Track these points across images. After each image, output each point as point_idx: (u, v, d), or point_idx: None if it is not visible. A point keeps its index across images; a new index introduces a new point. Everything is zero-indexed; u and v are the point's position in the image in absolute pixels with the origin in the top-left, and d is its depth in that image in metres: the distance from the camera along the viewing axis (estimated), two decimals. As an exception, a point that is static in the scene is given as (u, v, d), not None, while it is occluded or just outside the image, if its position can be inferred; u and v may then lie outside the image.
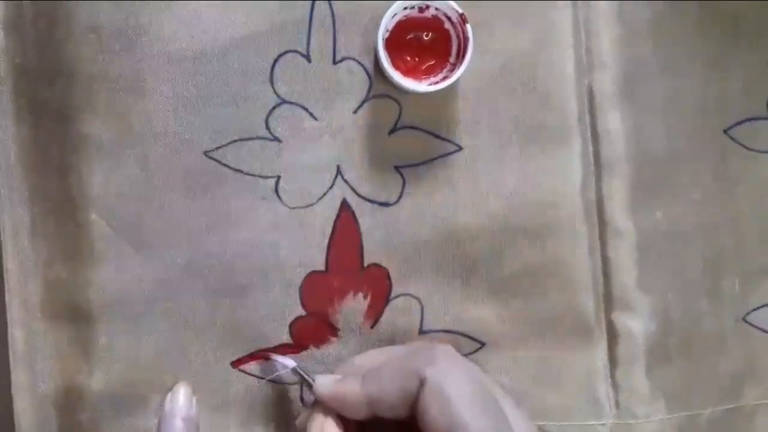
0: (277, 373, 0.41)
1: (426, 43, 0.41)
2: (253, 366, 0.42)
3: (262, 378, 0.42)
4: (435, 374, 0.34)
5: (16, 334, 0.40)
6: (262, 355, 0.42)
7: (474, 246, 0.43)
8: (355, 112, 0.42)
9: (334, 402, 0.37)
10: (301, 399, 0.42)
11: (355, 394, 0.36)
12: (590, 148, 0.43)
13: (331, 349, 0.42)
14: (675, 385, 0.45)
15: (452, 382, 0.34)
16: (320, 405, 0.37)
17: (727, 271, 0.45)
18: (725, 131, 0.45)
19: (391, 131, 0.42)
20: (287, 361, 0.41)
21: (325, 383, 0.37)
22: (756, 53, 0.45)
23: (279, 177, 0.41)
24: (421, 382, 0.34)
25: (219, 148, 0.41)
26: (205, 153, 0.41)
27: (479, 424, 0.33)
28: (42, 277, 0.40)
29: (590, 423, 0.44)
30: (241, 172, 0.41)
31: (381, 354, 0.40)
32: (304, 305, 0.42)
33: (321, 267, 0.42)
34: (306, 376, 0.39)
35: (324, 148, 0.42)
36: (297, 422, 0.40)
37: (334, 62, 0.41)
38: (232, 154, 0.41)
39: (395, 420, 0.36)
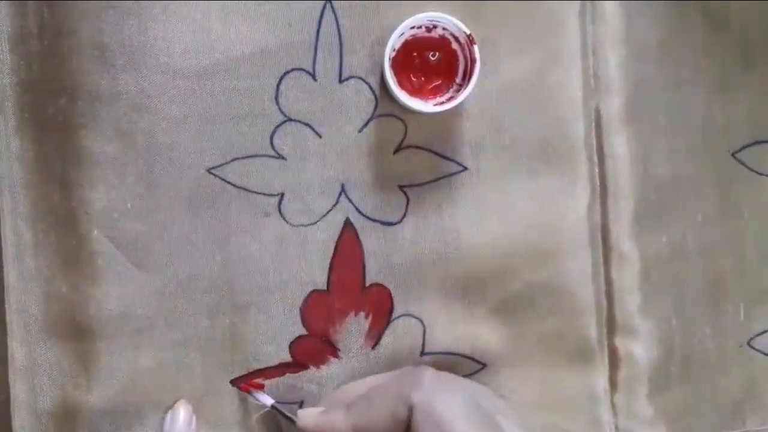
0: (258, 413, 0.41)
1: (433, 63, 0.41)
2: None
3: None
4: (424, 397, 0.34)
5: (16, 350, 0.40)
6: (243, 389, 0.41)
7: (477, 267, 0.42)
8: (360, 130, 0.42)
9: None
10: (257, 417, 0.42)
11: (341, 424, 0.36)
12: (596, 171, 0.43)
13: (332, 369, 0.42)
14: (676, 410, 0.44)
15: (442, 402, 0.34)
16: None
17: (732, 296, 0.45)
18: (733, 154, 0.45)
19: (396, 150, 0.42)
20: (265, 399, 0.40)
21: (308, 416, 0.37)
22: (763, 75, 0.45)
23: (282, 195, 0.41)
24: (410, 408, 0.34)
25: (223, 165, 0.41)
26: (209, 170, 0.41)
27: None
28: (43, 292, 0.40)
29: (591, 446, 0.44)
30: (245, 189, 0.41)
31: (365, 383, 0.40)
32: (304, 324, 0.42)
33: (323, 286, 0.42)
34: (286, 413, 0.39)
35: (328, 166, 0.41)
36: None
37: (340, 81, 0.41)
38: (236, 171, 0.41)
39: None
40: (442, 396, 0.34)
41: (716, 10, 0.44)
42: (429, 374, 0.36)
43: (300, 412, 0.38)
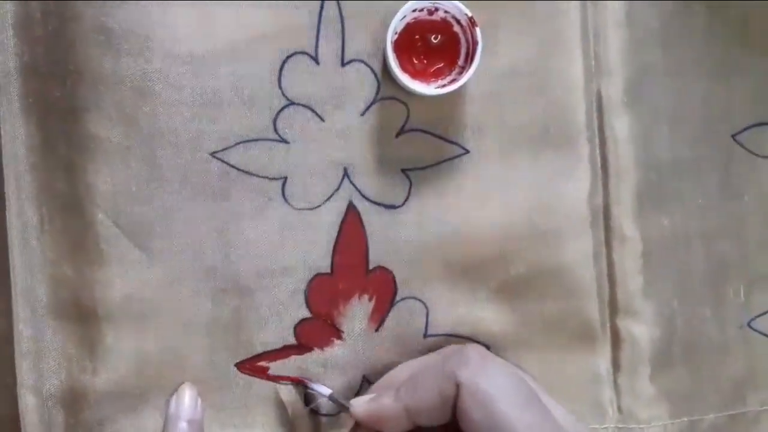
0: (314, 404, 0.42)
1: (435, 45, 0.41)
2: (283, 383, 0.42)
3: (268, 380, 0.42)
4: (470, 376, 0.34)
5: (23, 333, 0.40)
6: (299, 381, 0.42)
7: (480, 249, 0.43)
8: (362, 114, 0.42)
9: (373, 420, 0.37)
10: (310, 408, 0.42)
11: (392, 408, 0.36)
12: (597, 154, 0.43)
13: (336, 351, 0.42)
14: (678, 391, 0.45)
15: (489, 381, 0.34)
16: (360, 427, 0.37)
17: (732, 277, 0.45)
18: (733, 137, 0.45)
19: (399, 134, 0.42)
20: (323, 389, 0.41)
21: (360, 404, 0.37)
22: (765, 58, 0.45)
23: (286, 178, 0.41)
24: (458, 386, 0.34)
25: (226, 149, 0.41)
26: (212, 154, 0.41)
27: (525, 420, 0.33)
28: (49, 276, 0.40)
29: (593, 427, 0.44)
30: (248, 173, 0.41)
31: (412, 365, 0.40)
32: (309, 307, 0.42)
33: (326, 269, 0.42)
34: (342, 402, 0.39)
35: (331, 150, 0.42)
36: None
37: (343, 64, 0.41)
38: (239, 155, 0.41)
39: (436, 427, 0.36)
40: (488, 374, 0.35)
41: (716, -4, 0.44)
42: (475, 353, 0.36)
43: (353, 401, 0.38)
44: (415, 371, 0.38)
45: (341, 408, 0.40)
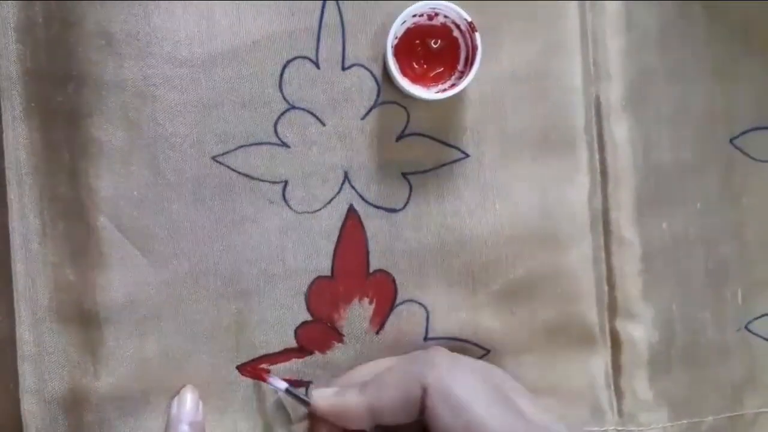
0: (273, 399, 0.42)
1: (434, 50, 0.42)
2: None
3: (267, 382, 0.42)
4: (438, 378, 0.35)
5: (25, 336, 0.40)
6: (257, 375, 0.42)
7: (480, 253, 0.43)
8: (363, 118, 0.42)
9: (334, 414, 0.37)
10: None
11: (356, 404, 0.36)
12: (597, 158, 0.44)
13: (336, 354, 0.43)
14: (677, 394, 0.45)
15: (457, 382, 0.35)
16: (320, 419, 0.38)
17: (731, 281, 0.46)
18: (731, 141, 0.46)
19: (399, 138, 0.42)
20: (279, 384, 0.41)
21: (323, 396, 0.37)
22: (763, 62, 0.45)
23: (286, 182, 0.42)
24: (424, 388, 0.35)
25: (227, 152, 0.41)
26: (214, 158, 0.41)
27: (495, 419, 0.34)
28: (51, 279, 0.40)
29: (593, 429, 0.44)
30: (249, 176, 0.41)
31: (378, 364, 0.40)
32: (309, 310, 0.42)
33: (327, 272, 0.42)
34: (300, 396, 0.39)
35: (332, 153, 0.42)
36: None
37: (343, 69, 0.42)
38: (241, 158, 0.41)
39: (397, 427, 0.36)
40: (457, 376, 0.35)
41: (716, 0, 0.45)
42: (442, 355, 0.36)
43: (314, 392, 0.38)
44: (382, 372, 0.38)
45: (300, 402, 0.40)
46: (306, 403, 0.39)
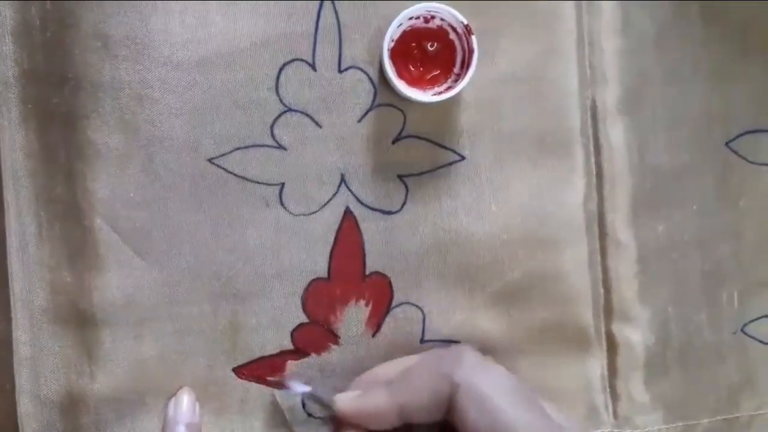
0: (292, 402, 0.42)
1: (431, 53, 0.42)
2: (269, 388, 0.42)
3: (264, 384, 0.42)
4: (467, 375, 0.35)
5: (21, 338, 0.40)
6: (276, 382, 0.42)
7: (476, 255, 0.43)
8: (359, 120, 0.42)
9: (361, 417, 0.37)
10: (305, 409, 0.42)
11: (384, 404, 0.36)
12: (593, 160, 0.44)
13: (332, 356, 0.43)
14: (673, 396, 0.45)
15: (486, 380, 0.35)
16: (344, 423, 0.38)
17: (727, 284, 0.46)
18: (727, 144, 0.46)
19: (395, 140, 0.42)
20: (301, 387, 0.41)
21: (346, 400, 0.37)
22: (760, 65, 0.45)
23: (283, 184, 0.42)
24: (454, 386, 0.35)
25: (224, 155, 0.41)
26: (210, 160, 0.41)
27: (523, 419, 0.34)
28: (47, 281, 0.41)
29: (589, 432, 0.44)
30: (246, 179, 0.41)
31: (400, 363, 0.40)
32: (306, 312, 0.42)
33: (323, 274, 0.42)
34: (323, 398, 0.39)
35: (328, 156, 0.42)
36: None
37: (340, 71, 0.42)
38: (237, 161, 0.41)
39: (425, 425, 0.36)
40: (485, 374, 0.35)
41: (713, 1, 0.44)
42: (470, 353, 0.36)
43: (337, 397, 0.38)
44: (408, 369, 0.38)
45: (323, 406, 0.40)
46: (329, 407, 0.38)
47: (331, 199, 0.42)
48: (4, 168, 0.40)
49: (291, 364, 0.42)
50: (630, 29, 0.44)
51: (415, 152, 0.42)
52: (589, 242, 0.44)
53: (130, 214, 0.40)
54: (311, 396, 0.40)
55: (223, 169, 0.41)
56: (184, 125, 0.40)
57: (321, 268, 0.42)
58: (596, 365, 0.44)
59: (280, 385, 0.42)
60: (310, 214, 0.42)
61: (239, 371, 0.42)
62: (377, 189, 0.42)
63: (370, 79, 0.42)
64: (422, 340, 0.43)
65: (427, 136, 0.42)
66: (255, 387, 0.42)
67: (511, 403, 0.34)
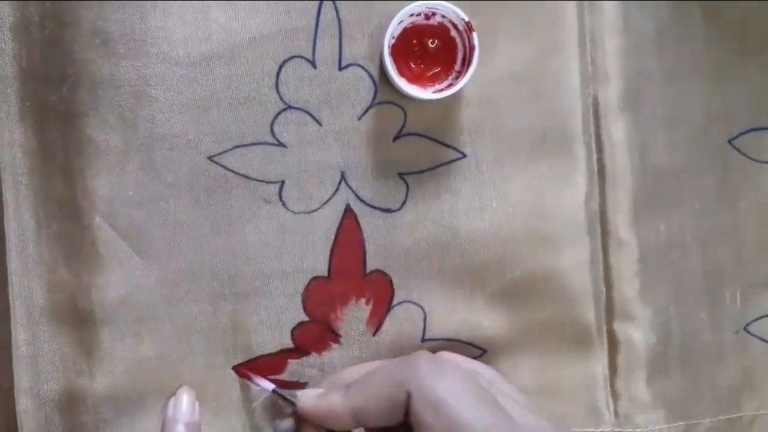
0: (259, 399, 0.42)
1: (432, 50, 0.41)
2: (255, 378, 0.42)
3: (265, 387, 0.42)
4: (421, 381, 0.35)
5: (20, 337, 0.40)
6: (243, 375, 0.42)
7: (477, 254, 0.43)
8: (359, 118, 0.42)
9: (319, 416, 0.37)
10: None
11: (339, 406, 0.36)
12: (594, 159, 0.43)
13: (333, 355, 0.43)
14: (675, 395, 0.45)
15: (440, 384, 0.35)
16: (306, 420, 0.38)
17: (729, 283, 0.46)
18: (729, 141, 0.45)
19: (396, 138, 0.42)
20: (266, 384, 0.41)
21: (307, 398, 0.38)
22: (761, 64, 0.45)
23: (283, 182, 0.42)
24: (408, 392, 0.35)
25: (223, 152, 0.41)
26: (210, 157, 0.41)
27: (481, 421, 0.34)
28: (46, 279, 0.40)
29: (589, 431, 0.44)
30: (246, 176, 0.41)
31: (364, 367, 0.40)
32: (306, 311, 0.42)
33: (324, 273, 0.42)
34: (287, 396, 0.39)
35: (328, 153, 0.42)
36: None
37: (340, 68, 0.41)
38: (237, 158, 0.41)
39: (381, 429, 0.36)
40: (440, 380, 0.35)
41: (713, 1, 0.44)
42: (424, 359, 0.36)
43: (300, 393, 0.38)
44: (367, 373, 0.38)
45: (287, 403, 0.39)
46: (292, 404, 0.39)
47: (331, 197, 0.42)
48: (3, 166, 0.40)
49: (291, 363, 0.42)
50: (631, 28, 0.43)
51: (416, 150, 0.42)
52: (591, 241, 0.44)
53: (130, 212, 0.40)
54: (276, 392, 0.40)
55: (223, 166, 0.41)
56: (183, 123, 0.40)
57: (321, 267, 0.42)
58: (597, 364, 0.44)
59: (248, 380, 0.42)
60: (311, 212, 0.42)
61: (239, 370, 0.42)
62: (378, 187, 0.42)
63: (371, 76, 0.42)
64: (423, 339, 0.43)
65: (428, 133, 0.42)
66: (255, 386, 0.42)
67: (468, 405, 0.34)
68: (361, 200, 0.42)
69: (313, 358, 0.42)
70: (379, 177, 0.42)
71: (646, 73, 0.44)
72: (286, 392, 0.40)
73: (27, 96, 0.40)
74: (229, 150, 0.41)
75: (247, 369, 0.42)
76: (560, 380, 0.44)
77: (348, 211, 0.42)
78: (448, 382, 0.35)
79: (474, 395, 0.35)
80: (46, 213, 0.40)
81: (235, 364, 0.42)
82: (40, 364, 0.40)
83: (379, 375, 0.37)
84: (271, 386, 0.41)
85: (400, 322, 0.43)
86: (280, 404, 0.41)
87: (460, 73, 0.41)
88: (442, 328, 0.43)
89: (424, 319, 0.43)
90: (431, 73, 0.41)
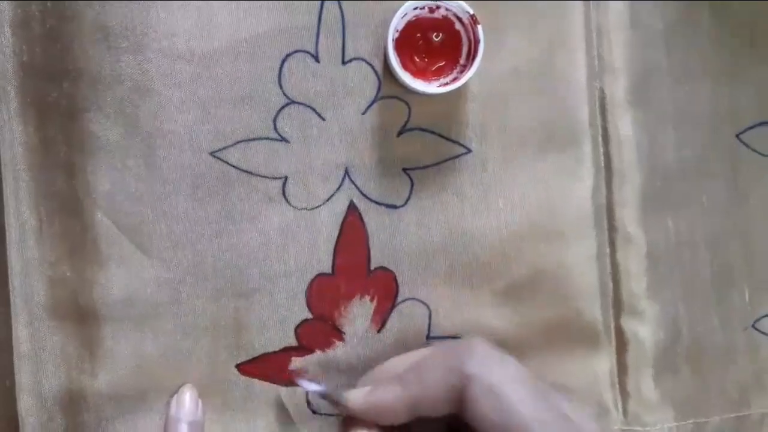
0: (298, 399, 0.41)
1: (436, 44, 0.41)
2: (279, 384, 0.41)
3: (267, 381, 0.42)
4: (479, 367, 0.34)
5: (21, 334, 0.40)
6: (288, 379, 0.41)
7: (482, 250, 0.42)
8: (363, 113, 0.41)
9: (372, 412, 0.36)
10: (309, 407, 0.42)
11: (395, 399, 0.36)
12: (601, 154, 0.43)
13: (337, 353, 0.42)
14: (683, 393, 0.44)
15: (499, 372, 0.34)
16: (356, 419, 0.37)
17: (737, 279, 0.45)
18: (737, 136, 0.45)
19: (400, 133, 0.42)
20: (315, 387, 0.40)
21: (357, 397, 0.37)
22: (768, 62, 0.45)
23: (286, 178, 0.41)
24: (465, 378, 0.34)
25: (226, 148, 0.40)
26: (212, 153, 0.40)
27: (536, 411, 0.33)
28: (47, 277, 0.40)
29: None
30: (248, 172, 0.41)
31: (411, 357, 0.39)
32: (310, 308, 0.42)
33: (327, 270, 0.42)
34: (336, 398, 0.38)
35: (332, 149, 0.41)
36: None
37: (343, 63, 0.41)
38: (239, 154, 0.41)
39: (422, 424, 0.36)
40: (497, 366, 0.34)
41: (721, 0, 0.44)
42: (481, 345, 0.36)
43: (348, 393, 0.37)
44: (419, 362, 0.37)
45: (334, 403, 0.39)
46: (340, 404, 0.38)
47: (335, 193, 0.42)
48: (4, 162, 0.40)
49: (295, 361, 0.42)
50: (638, 22, 0.43)
51: (421, 145, 0.42)
52: (598, 236, 0.43)
53: (132, 208, 0.40)
54: (324, 395, 0.39)
55: (226, 162, 0.41)
56: (185, 118, 0.40)
57: (325, 264, 0.42)
58: (605, 362, 0.44)
59: (288, 383, 0.41)
60: (314, 208, 0.41)
61: (242, 368, 0.42)
62: (382, 183, 0.42)
63: (374, 70, 0.41)
64: (428, 337, 0.42)
65: (433, 128, 0.42)
66: (258, 384, 0.42)
67: (524, 395, 0.34)
68: (365, 196, 0.42)
69: (316, 355, 0.42)
70: (383, 173, 0.42)
71: (653, 69, 0.43)
72: (336, 393, 0.39)
73: (27, 92, 0.40)
74: (232, 146, 0.41)
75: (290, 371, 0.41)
76: (567, 378, 0.43)
77: (352, 207, 0.42)
78: (507, 369, 0.34)
79: (531, 386, 0.34)
80: (48, 209, 0.40)
81: (239, 362, 0.42)
82: (41, 362, 0.40)
83: (433, 362, 0.36)
84: (320, 389, 0.40)
85: (404, 319, 0.42)
86: (295, 404, 0.41)
87: (465, 67, 0.40)
88: (447, 326, 0.43)
89: (429, 316, 0.42)
90: (436, 67, 0.41)
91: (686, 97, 0.44)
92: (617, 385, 0.44)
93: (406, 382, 0.36)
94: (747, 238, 0.45)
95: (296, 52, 0.41)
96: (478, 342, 0.36)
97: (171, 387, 0.41)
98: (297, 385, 0.41)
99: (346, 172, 0.42)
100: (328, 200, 0.42)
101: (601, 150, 0.43)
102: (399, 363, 0.39)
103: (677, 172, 0.44)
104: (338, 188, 0.42)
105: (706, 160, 0.44)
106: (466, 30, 0.40)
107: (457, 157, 0.42)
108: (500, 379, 0.34)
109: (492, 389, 0.33)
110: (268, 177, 0.41)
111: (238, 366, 0.42)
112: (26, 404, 0.40)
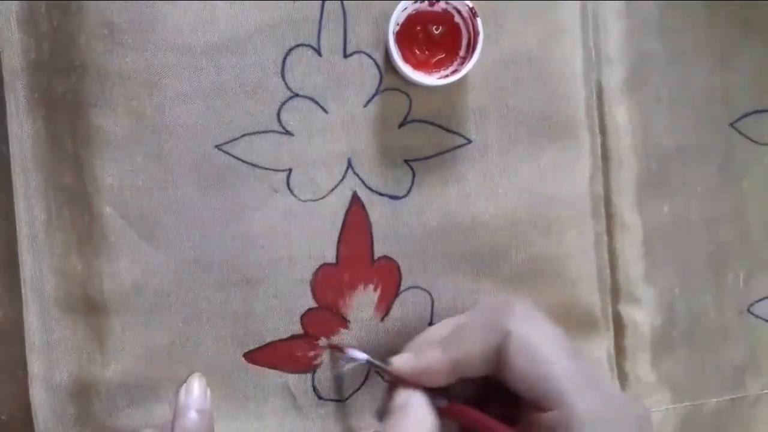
0: (349, 366, 0.42)
1: (436, 36, 0.42)
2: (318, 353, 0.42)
3: (274, 369, 0.42)
4: (518, 324, 0.35)
5: (33, 325, 0.41)
6: (334, 347, 0.42)
7: (483, 239, 0.43)
8: (365, 105, 0.42)
9: (417, 376, 0.37)
10: (315, 392, 0.43)
11: (439, 361, 0.36)
12: (598, 142, 0.44)
13: (342, 340, 0.43)
14: (680, 376, 0.45)
15: (536, 330, 0.35)
16: (400, 383, 0.38)
17: (732, 264, 0.46)
18: (731, 124, 0.46)
19: (401, 124, 0.42)
20: (359, 354, 0.41)
21: (402, 362, 0.38)
22: (763, 47, 0.45)
23: (290, 170, 0.42)
24: (505, 334, 0.35)
25: (231, 141, 0.41)
26: (217, 146, 0.41)
27: (569, 369, 0.34)
28: (57, 269, 0.41)
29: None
30: (253, 165, 0.41)
31: (452, 321, 0.40)
32: (315, 297, 0.42)
33: (332, 259, 0.42)
34: (380, 364, 0.39)
35: (335, 141, 0.42)
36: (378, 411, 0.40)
37: (345, 56, 0.42)
38: (244, 147, 0.41)
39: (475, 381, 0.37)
40: (535, 324, 0.35)
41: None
42: (520, 304, 0.37)
43: (393, 359, 0.38)
44: (460, 324, 0.38)
45: (380, 370, 0.40)
46: (385, 370, 0.39)
47: (338, 185, 0.42)
48: (13, 157, 0.40)
49: (301, 349, 0.43)
50: (634, 11, 0.44)
51: (422, 136, 0.42)
52: (596, 224, 0.44)
53: (139, 200, 0.41)
54: (369, 362, 0.40)
55: (231, 155, 0.41)
56: (191, 111, 0.40)
57: (329, 254, 0.42)
58: (603, 346, 0.45)
59: (337, 351, 0.42)
60: (318, 199, 0.42)
61: (250, 356, 0.42)
62: (384, 173, 0.42)
63: (376, 63, 0.42)
64: (431, 324, 0.43)
65: (434, 119, 0.43)
66: (266, 372, 0.42)
67: (559, 353, 0.34)
68: (368, 187, 0.42)
69: (322, 343, 0.43)
70: (385, 164, 0.42)
71: (649, 56, 0.44)
72: (379, 360, 0.40)
73: (35, 87, 0.40)
74: (237, 139, 0.41)
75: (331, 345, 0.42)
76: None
77: (355, 198, 0.42)
78: (544, 328, 0.35)
79: (567, 345, 0.35)
80: (57, 203, 0.41)
81: (246, 350, 0.42)
82: (52, 353, 0.41)
83: (473, 322, 0.37)
84: (364, 356, 0.41)
85: (407, 307, 0.43)
86: (300, 391, 0.42)
87: (464, 59, 0.41)
88: (449, 313, 0.43)
89: (432, 304, 0.43)
90: (436, 59, 0.42)
91: (681, 82, 0.45)
92: (615, 369, 0.45)
93: (448, 345, 0.37)
94: (742, 222, 0.46)
95: (299, 45, 0.41)
96: (517, 301, 0.37)
97: (179, 376, 0.42)
98: (346, 354, 0.41)
99: (349, 164, 0.42)
100: (331, 191, 0.42)
101: (599, 139, 0.44)
102: (442, 328, 0.40)
103: (673, 157, 0.45)
104: (341, 180, 0.42)
105: (701, 145, 0.45)
106: (465, 23, 0.41)
107: (458, 147, 0.43)
108: (537, 336, 0.35)
109: (529, 345, 0.34)
110: (272, 169, 0.42)
111: (245, 354, 0.42)
112: (38, 394, 0.41)
